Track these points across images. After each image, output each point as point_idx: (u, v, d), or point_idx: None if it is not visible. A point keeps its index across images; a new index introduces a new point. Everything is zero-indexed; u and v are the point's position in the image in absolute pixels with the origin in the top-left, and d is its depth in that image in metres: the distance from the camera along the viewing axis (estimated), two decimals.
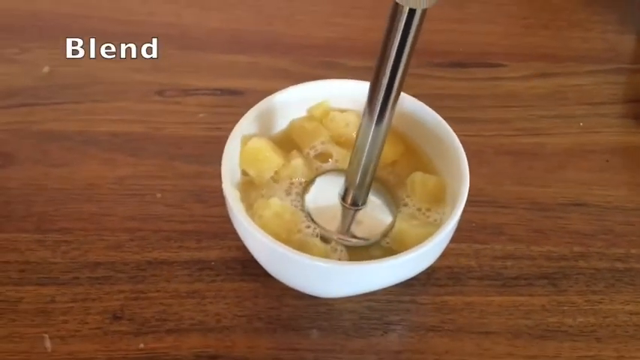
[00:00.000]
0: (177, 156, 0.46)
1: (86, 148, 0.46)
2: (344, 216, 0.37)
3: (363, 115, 0.32)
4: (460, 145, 0.36)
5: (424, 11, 0.27)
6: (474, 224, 0.42)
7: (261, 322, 0.37)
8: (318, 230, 0.36)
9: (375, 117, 0.31)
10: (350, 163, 0.35)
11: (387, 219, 0.37)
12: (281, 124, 0.40)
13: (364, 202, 0.36)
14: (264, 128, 0.39)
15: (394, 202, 0.37)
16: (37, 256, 0.40)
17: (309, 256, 0.32)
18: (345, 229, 0.36)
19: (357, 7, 0.56)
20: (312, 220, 0.36)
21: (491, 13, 0.59)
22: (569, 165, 0.47)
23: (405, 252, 0.32)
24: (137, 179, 0.44)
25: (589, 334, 0.38)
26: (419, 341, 0.37)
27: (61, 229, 0.41)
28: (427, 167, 0.39)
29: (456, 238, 0.36)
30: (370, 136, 0.32)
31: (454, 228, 0.34)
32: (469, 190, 0.34)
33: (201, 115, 0.49)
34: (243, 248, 0.37)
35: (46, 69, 0.51)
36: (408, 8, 0.27)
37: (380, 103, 0.31)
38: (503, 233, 0.42)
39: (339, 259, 0.35)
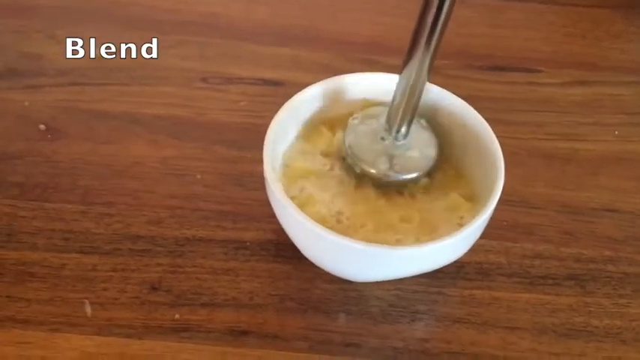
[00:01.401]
0: (217, 140, 0.47)
1: (132, 128, 0.48)
2: (385, 151, 0.38)
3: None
4: (497, 143, 0.37)
5: None
6: (505, 223, 0.43)
7: (292, 302, 0.39)
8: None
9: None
10: (395, 91, 0.36)
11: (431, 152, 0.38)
12: (320, 113, 0.41)
13: (407, 134, 0.38)
14: (304, 117, 0.40)
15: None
16: (81, 226, 0.41)
17: (343, 237, 0.33)
18: (388, 165, 0.37)
19: (399, 7, 0.57)
20: (355, 156, 0.38)
21: (532, 21, 0.59)
22: (603, 171, 0.47)
23: (436, 239, 0.33)
24: (179, 160, 0.46)
25: (615, 335, 0.38)
26: (445, 331, 0.38)
27: (105, 203, 0.43)
28: (461, 163, 0.40)
29: (487, 235, 0.37)
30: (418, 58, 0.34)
31: (487, 220, 0.35)
32: (502, 190, 0.35)
33: (242, 102, 0.50)
34: (278, 231, 0.38)
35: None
36: None
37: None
38: (533, 233, 0.43)
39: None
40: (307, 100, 0.40)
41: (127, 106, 0.49)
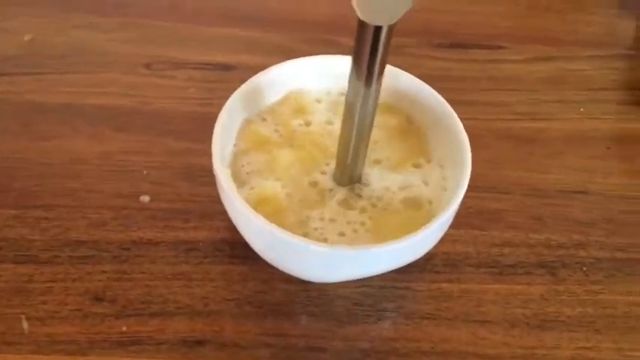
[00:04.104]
0: (165, 132, 0.44)
1: (70, 120, 0.44)
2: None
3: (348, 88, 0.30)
4: (464, 131, 0.35)
5: (391, 27, 0.26)
6: (471, 209, 0.41)
7: (250, 306, 0.36)
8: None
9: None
10: (340, 136, 0.33)
11: None
12: (273, 101, 0.38)
13: (359, 180, 0.35)
14: (256, 104, 0.37)
15: None
16: (15, 233, 0.38)
17: (303, 238, 0.30)
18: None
19: None
20: None
21: None
22: (570, 151, 0.46)
23: (402, 238, 0.30)
24: (123, 155, 0.42)
25: (588, 325, 0.37)
26: (414, 329, 0.36)
27: (42, 206, 0.39)
28: (424, 149, 0.37)
29: (454, 223, 0.35)
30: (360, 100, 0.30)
31: (453, 214, 0.33)
32: None
33: (191, 89, 0.47)
34: (232, 229, 0.35)
35: (27, 37, 0.49)
36: (373, 26, 0.26)
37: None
38: (501, 220, 0.41)
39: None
40: (261, 86, 0.37)
41: (63, 97, 0.45)
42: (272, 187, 0.34)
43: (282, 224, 0.30)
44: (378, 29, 0.26)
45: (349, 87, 0.30)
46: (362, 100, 0.29)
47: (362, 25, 0.26)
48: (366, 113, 0.30)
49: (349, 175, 0.34)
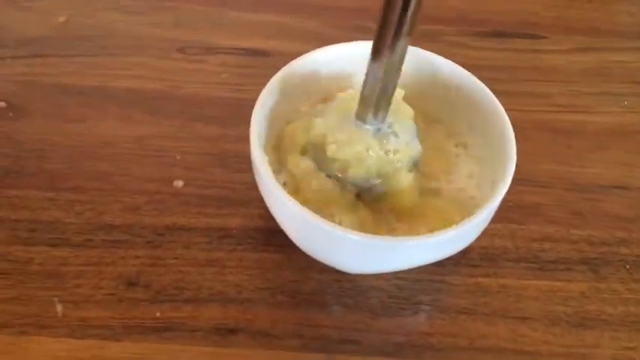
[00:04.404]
0: (197, 117, 0.43)
1: (102, 103, 0.44)
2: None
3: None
4: (509, 122, 0.33)
5: None
6: (510, 203, 0.40)
7: (283, 295, 0.35)
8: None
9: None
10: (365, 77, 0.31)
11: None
12: (311, 88, 0.37)
13: (384, 118, 0.32)
14: (296, 90, 0.36)
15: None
16: (49, 215, 0.37)
17: (339, 227, 0.29)
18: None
19: None
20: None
21: None
22: (611, 145, 0.44)
23: (441, 231, 0.30)
24: (155, 139, 0.42)
25: (630, 324, 0.36)
26: (450, 323, 0.35)
27: (75, 188, 0.39)
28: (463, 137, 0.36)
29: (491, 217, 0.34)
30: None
31: (496, 207, 0.32)
32: None
33: (223, 75, 0.46)
34: (267, 217, 0.35)
35: (62, 18, 0.49)
36: None
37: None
38: (540, 214, 0.40)
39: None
40: (300, 72, 0.36)
41: (96, 80, 0.45)
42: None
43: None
44: None
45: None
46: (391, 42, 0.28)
47: None
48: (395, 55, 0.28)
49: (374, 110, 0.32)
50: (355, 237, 0.29)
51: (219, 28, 0.49)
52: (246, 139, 0.32)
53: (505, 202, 0.40)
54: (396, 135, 0.32)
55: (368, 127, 0.32)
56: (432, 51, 0.37)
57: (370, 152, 0.31)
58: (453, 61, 0.36)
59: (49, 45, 0.47)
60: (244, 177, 0.39)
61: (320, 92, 0.37)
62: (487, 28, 0.51)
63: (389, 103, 0.31)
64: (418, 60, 0.36)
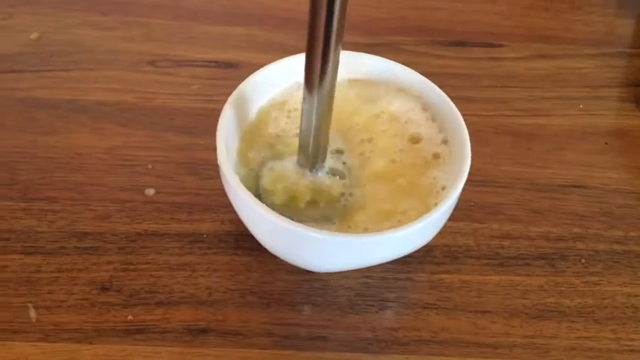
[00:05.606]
0: (168, 127, 0.44)
1: (75, 116, 0.44)
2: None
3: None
4: (464, 123, 0.35)
5: None
6: (472, 203, 0.42)
7: (253, 296, 0.36)
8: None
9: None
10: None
11: None
12: (275, 97, 0.39)
13: (323, 160, 0.35)
14: (259, 100, 0.38)
15: None
16: (22, 225, 0.38)
17: (303, 226, 0.30)
18: None
19: None
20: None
21: None
22: (569, 147, 0.46)
23: (404, 226, 0.31)
24: (127, 150, 0.43)
25: (587, 315, 0.37)
26: (415, 318, 0.36)
27: (48, 198, 0.40)
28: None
29: (454, 216, 0.35)
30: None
31: (454, 204, 0.33)
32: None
33: (194, 86, 0.47)
34: (237, 222, 0.36)
35: (34, 35, 0.50)
36: None
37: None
38: (501, 213, 0.42)
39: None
40: (263, 82, 0.37)
41: (68, 93, 0.46)
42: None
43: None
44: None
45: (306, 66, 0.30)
46: (319, 78, 0.30)
47: None
48: (323, 92, 0.30)
49: (312, 158, 0.34)
50: (319, 236, 0.30)
51: (190, 41, 0.51)
52: (215, 148, 0.33)
53: (467, 202, 0.42)
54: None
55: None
56: (395, 60, 0.38)
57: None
58: (416, 70, 0.38)
59: (21, 61, 0.48)
60: (214, 183, 0.40)
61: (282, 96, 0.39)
62: (448, 37, 0.53)
63: (325, 153, 0.34)
64: (381, 68, 0.38)
